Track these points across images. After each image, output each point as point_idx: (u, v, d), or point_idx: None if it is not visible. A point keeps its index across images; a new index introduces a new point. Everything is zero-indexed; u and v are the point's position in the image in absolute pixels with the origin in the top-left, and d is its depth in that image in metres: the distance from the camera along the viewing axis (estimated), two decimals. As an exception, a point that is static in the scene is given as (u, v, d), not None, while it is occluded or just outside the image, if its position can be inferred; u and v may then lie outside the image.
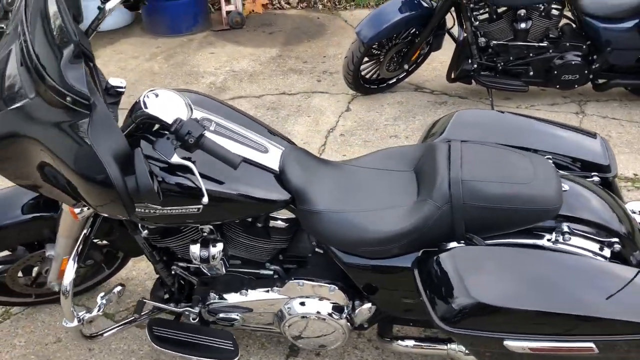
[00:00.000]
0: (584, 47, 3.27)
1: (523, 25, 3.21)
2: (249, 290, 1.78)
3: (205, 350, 1.82)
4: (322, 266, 1.76)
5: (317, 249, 1.74)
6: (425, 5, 3.31)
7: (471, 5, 3.24)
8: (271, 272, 1.81)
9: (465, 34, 3.30)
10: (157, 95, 1.54)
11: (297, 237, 1.78)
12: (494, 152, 1.60)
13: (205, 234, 1.69)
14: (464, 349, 1.72)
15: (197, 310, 1.84)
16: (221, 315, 1.84)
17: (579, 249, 1.50)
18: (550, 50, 3.29)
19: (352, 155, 2.68)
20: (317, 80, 3.96)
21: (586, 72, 3.30)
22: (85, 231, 1.72)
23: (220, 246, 1.67)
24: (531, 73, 3.32)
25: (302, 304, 1.76)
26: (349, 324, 1.76)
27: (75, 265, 1.67)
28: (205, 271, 1.74)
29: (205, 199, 1.42)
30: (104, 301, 1.78)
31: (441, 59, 3.79)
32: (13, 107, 1.35)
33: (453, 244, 1.52)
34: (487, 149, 1.62)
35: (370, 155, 1.81)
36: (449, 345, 1.76)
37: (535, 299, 1.36)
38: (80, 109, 1.26)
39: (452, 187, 1.50)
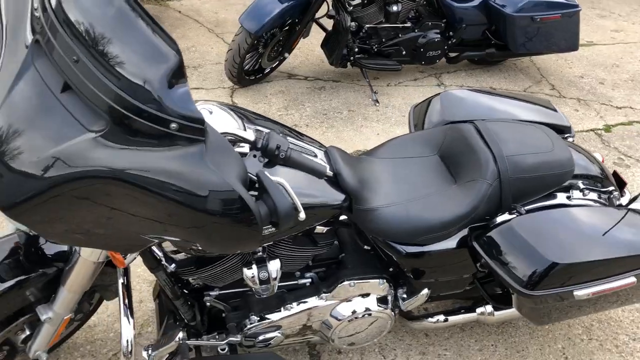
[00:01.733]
0: (442, 25, 3.64)
1: (395, 8, 3.44)
2: (293, 304, 1.70)
3: (255, 376, 1.70)
4: (362, 263, 1.76)
5: (365, 246, 1.73)
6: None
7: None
8: (308, 281, 1.75)
9: (340, 20, 3.43)
10: (211, 112, 1.40)
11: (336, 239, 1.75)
12: (514, 127, 1.77)
13: (260, 253, 1.57)
14: (489, 311, 1.89)
15: (238, 338, 1.70)
16: (260, 337, 1.73)
17: (593, 201, 1.75)
18: (416, 30, 3.60)
19: None
20: (198, 75, 3.74)
21: (445, 47, 3.69)
22: (122, 280, 1.47)
23: (277, 264, 1.57)
24: (403, 52, 3.59)
25: (351, 304, 1.74)
26: (393, 312, 1.79)
27: (132, 320, 1.42)
28: (259, 293, 1.61)
29: (302, 215, 1.33)
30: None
31: (298, 45, 3.84)
32: (65, 145, 1.09)
33: (503, 217, 1.65)
34: (508, 125, 1.78)
35: (384, 146, 1.84)
36: (477, 310, 1.90)
37: (593, 249, 1.57)
38: (189, 135, 1.08)
39: (499, 163, 1.62)
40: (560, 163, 1.69)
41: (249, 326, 1.69)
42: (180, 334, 1.58)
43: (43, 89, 1.13)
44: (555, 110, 2.06)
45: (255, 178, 1.28)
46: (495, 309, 1.89)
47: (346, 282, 1.70)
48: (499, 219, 1.66)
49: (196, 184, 1.10)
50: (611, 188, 1.81)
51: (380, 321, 1.78)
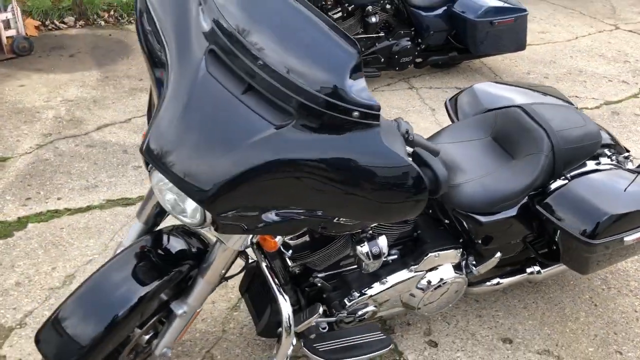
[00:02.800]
0: (412, 32, 3.98)
1: (373, 19, 3.74)
2: (387, 278, 1.91)
3: (365, 347, 1.88)
4: (438, 236, 2.00)
5: (445, 220, 1.97)
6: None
7: (329, 6, 3.61)
8: (394, 257, 1.96)
9: None
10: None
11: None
12: (552, 108, 2.09)
13: (367, 232, 1.76)
14: (537, 270, 2.18)
15: (344, 313, 1.87)
16: (359, 312, 1.91)
17: (615, 165, 2.10)
18: (389, 39, 3.91)
19: None
20: (171, 96, 3.82)
21: (415, 53, 4.03)
22: (266, 263, 1.62)
23: (385, 240, 1.77)
24: (382, 60, 3.89)
25: (435, 274, 1.97)
26: (467, 277, 2.04)
27: (287, 297, 1.58)
28: (368, 269, 1.80)
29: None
30: None
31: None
32: (254, 139, 1.24)
33: (556, 183, 1.96)
34: (546, 106, 2.09)
35: (442, 134, 2.10)
36: (527, 270, 2.19)
37: (633, 202, 1.90)
38: (368, 121, 1.26)
39: (552, 137, 1.93)
40: (593, 135, 2.02)
41: (350, 302, 1.86)
42: (321, 309, 1.73)
43: (223, 92, 1.27)
44: (560, 94, 2.40)
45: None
46: (542, 267, 2.19)
47: (431, 254, 1.93)
48: (554, 185, 1.95)
49: (377, 162, 1.28)
50: (626, 154, 2.17)
51: (456, 286, 2.02)
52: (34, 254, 2.41)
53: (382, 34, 3.89)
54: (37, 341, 1.47)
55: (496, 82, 2.39)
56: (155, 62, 1.41)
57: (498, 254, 2.01)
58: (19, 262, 2.37)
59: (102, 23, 4.93)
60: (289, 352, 1.66)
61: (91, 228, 2.58)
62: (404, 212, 1.40)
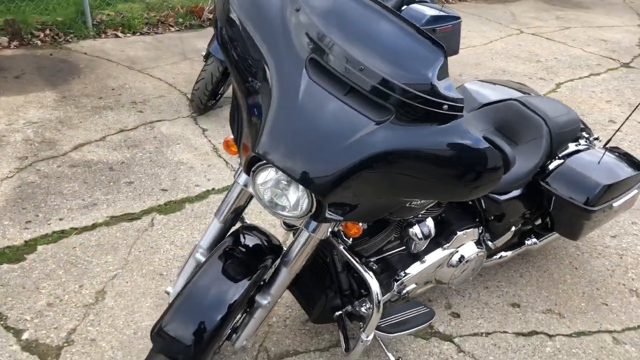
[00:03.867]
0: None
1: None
2: (426, 258, 2.14)
3: (414, 321, 2.09)
4: (459, 217, 2.26)
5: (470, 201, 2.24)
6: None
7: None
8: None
9: None
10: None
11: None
12: (541, 99, 2.43)
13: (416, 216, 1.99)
14: (534, 241, 2.51)
15: (393, 292, 2.08)
16: (404, 291, 2.13)
17: (588, 146, 2.48)
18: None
19: None
20: (138, 111, 3.85)
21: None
22: (343, 245, 1.79)
23: (432, 221, 2.01)
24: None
25: (462, 251, 2.23)
26: (485, 251, 2.33)
27: (373, 274, 1.76)
28: (417, 248, 2.03)
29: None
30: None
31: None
32: (359, 135, 1.44)
33: (553, 163, 2.30)
34: (536, 98, 2.43)
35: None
36: (526, 242, 2.52)
37: (614, 174, 2.28)
38: (454, 112, 1.50)
39: (549, 124, 2.26)
40: (575, 121, 2.39)
41: (397, 282, 2.07)
42: (396, 285, 1.92)
43: (328, 96, 1.45)
44: (532, 89, 2.77)
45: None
46: (537, 238, 2.52)
47: (460, 233, 2.18)
48: (551, 165, 2.29)
49: (464, 147, 1.51)
50: (595, 135, 2.56)
51: (479, 260, 2.29)
52: (55, 275, 2.39)
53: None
54: (155, 340, 1.54)
55: (481, 81, 2.71)
56: (246, 73, 1.55)
57: (513, 228, 2.31)
58: (42, 283, 2.35)
59: (39, 43, 4.78)
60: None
61: (104, 245, 2.59)
62: (483, 190, 1.63)
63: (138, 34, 5.26)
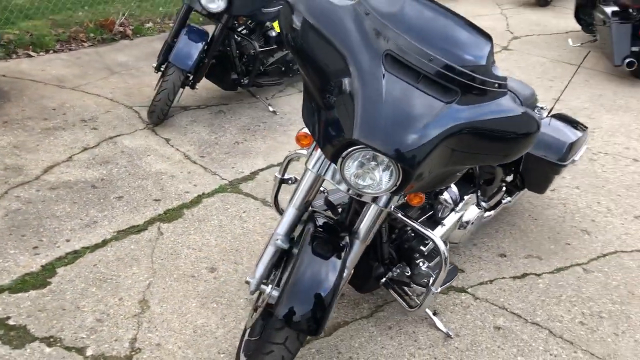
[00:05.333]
0: (298, 42, 4.53)
1: (273, 33, 4.21)
2: (445, 221, 2.49)
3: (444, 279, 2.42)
4: (460, 183, 2.63)
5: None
6: (206, 32, 3.85)
7: (235, 25, 3.99)
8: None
9: (229, 50, 4.03)
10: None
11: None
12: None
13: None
14: (509, 200, 2.97)
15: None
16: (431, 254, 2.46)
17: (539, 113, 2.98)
18: (283, 50, 4.41)
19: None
20: (92, 129, 3.81)
21: (303, 60, 4.58)
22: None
23: (456, 188, 2.35)
24: (283, 69, 4.37)
25: (468, 213, 2.60)
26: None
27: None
28: (446, 212, 2.36)
29: None
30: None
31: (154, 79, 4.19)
32: (433, 114, 1.75)
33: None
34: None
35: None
36: (503, 202, 2.95)
37: (569, 134, 2.79)
38: (502, 90, 1.85)
39: (519, 97, 2.70)
40: (533, 93, 2.86)
41: (426, 247, 2.39)
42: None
43: (402, 84, 1.73)
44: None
45: None
46: (510, 196, 2.98)
47: (466, 197, 2.55)
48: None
49: (514, 115, 1.84)
50: (542, 105, 3.07)
51: (478, 220, 2.68)
52: (89, 292, 2.42)
53: (274, 46, 4.35)
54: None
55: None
56: (324, 72, 1.78)
57: (504, 188, 2.73)
58: (80, 302, 2.36)
59: (-53, 68, 4.46)
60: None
61: (123, 258, 2.63)
62: (524, 151, 1.98)
63: (51, 52, 5.07)
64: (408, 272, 2.33)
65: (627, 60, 5.31)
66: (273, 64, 4.30)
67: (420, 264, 2.18)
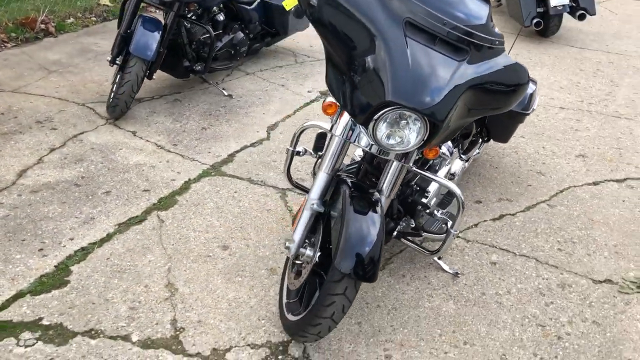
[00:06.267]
0: (242, 26, 4.62)
1: (220, 18, 4.26)
2: (439, 174, 2.73)
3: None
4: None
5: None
6: (159, 20, 3.84)
7: (186, 11, 4.01)
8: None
9: (179, 38, 4.05)
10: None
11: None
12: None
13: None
14: (479, 152, 3.28)
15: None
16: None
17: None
18: (229, 34, 4.48)
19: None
20: (51, 129, 3.71)
21: (249, 43, 4.68)
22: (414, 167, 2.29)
23: (449, 142, 2.60)
24: (232, 52, 4.43)
25: (455, 166, 2.86)
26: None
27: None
28: (443, 165, 2.60)
29: None
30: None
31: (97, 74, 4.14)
32: (450, 73, 1.99)
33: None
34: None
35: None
36: (473, 154, 3.26)
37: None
38: (501, 47, 2.11)
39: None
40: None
41: (427, 199, 2.62)
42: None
43: (422, 47, 1.95)
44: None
45: None
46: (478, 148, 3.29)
47: (455, 150, 2.81)
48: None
49: (514, 68, 2.09)
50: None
51: (462, 170, 2.96)
52: (112, 284, 2.45)
53: (220, 31, 4.40)
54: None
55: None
56: (350, 42, 1.95)
57: (480, 140, 3.02)
58: (107, 295, 2.39)
59: None
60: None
61: (134, 249, 2.67)
62: (518, 100, 2.24)
63: (-27, 55, 4.79)
64: (413, 224, 2.55)
65: (535, 20, 5.81)
66: (222, 48, 4.35)
67: (435, 211, 2.40)
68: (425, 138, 1.95)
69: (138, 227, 2.80)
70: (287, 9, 2.17)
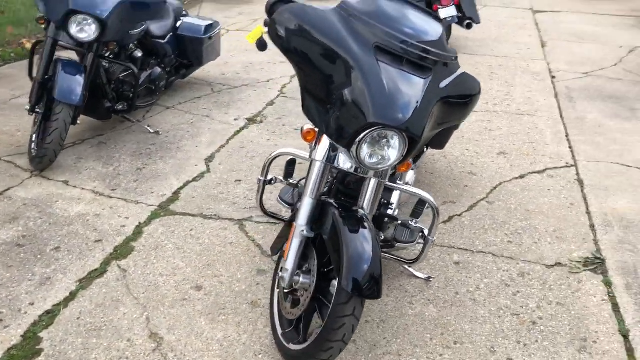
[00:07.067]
0: (158, 60, 4.54)
1: (139, 54, 4.17)
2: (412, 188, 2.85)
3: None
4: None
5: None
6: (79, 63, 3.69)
7: (104, 52, 3.89)
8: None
9: (99, 79, 3.92)
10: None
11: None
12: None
13: None
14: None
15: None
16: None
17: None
18: (147, 69, 4.39)
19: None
20: (-28, 190, 3.45)
21: (166, 77, 4.61)
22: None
23: None
24: (153, 88, 4.34)
25: (409, 175, 3.01)
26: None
27: None
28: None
29: None
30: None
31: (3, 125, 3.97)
32: (421, 87, 2.15)
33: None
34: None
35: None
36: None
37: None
38: (456, 62, 2.29)
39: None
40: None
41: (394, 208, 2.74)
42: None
43: (392, 69, 2.08)
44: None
45: None
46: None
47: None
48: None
49: (470, 80, 2.27)
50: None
51: (415, 176, 3.11)
52: (92, 344, 2.32)
53: (138, 66, 4.30)
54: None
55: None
56: (324, 70, 2.04)
57: (425, 149, 3.19)
58: (89, 356, 2.26)
59: None
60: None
61: (104, 303, 2.55)
62: (474, 108, 2.42)
63: None
64: (381, 237, 2.65)
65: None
66: (142, 85, 4.24)
67: (410, 222, 2.51)
68: (404, 153, 2.05)
69: (101, 280, 2.67)
70: (251, 42, 2.15)
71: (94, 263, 2.78)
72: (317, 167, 2.17)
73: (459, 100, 2.19)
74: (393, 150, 2.03)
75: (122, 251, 2.88)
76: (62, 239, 2.95)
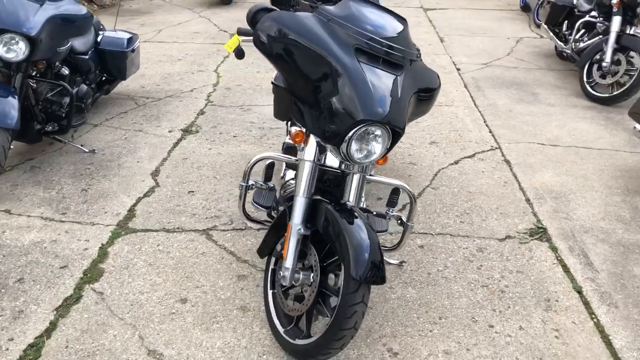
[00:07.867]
0: (83, 77, 4.39)
1: (66, 71, 4.01)
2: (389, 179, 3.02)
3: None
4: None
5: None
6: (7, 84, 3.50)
7: (33, 71, 3.71)
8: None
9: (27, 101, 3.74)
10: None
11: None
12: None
13: None
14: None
15: None
16: None
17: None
18: (73, 87, 4.22)
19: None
20: None
21: (92, 93, 4.46)
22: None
23: None
24: (82, 106, 4.18)
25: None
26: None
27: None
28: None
29: None
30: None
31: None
32: (399, 85, 2.34)
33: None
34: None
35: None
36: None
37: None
38: (420, 58, 2.48)
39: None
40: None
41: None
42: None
43: (371, 68, 2.23)
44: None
45: None
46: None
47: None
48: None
49: (434, 74, 2.47)
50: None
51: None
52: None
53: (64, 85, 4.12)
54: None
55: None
56: (309, 73, 2.15)
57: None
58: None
59: None
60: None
61: (90, 328, 2.48)
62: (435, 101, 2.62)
63: None
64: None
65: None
66: (71, 102, 4.06)
67: (387, 211, 2.66)
68: (388, 146, 2.21)
69: (78, 306, 2.59)
70: (229, 51, 2.15)
71: (66, 290, 2.68)
72: (307, 167, 2.26)
73: (427, 93, 2.37)
74: (378, 144, 2.16)
75: (92, 274, 2.80)
76: (22, 270, 2.81)
